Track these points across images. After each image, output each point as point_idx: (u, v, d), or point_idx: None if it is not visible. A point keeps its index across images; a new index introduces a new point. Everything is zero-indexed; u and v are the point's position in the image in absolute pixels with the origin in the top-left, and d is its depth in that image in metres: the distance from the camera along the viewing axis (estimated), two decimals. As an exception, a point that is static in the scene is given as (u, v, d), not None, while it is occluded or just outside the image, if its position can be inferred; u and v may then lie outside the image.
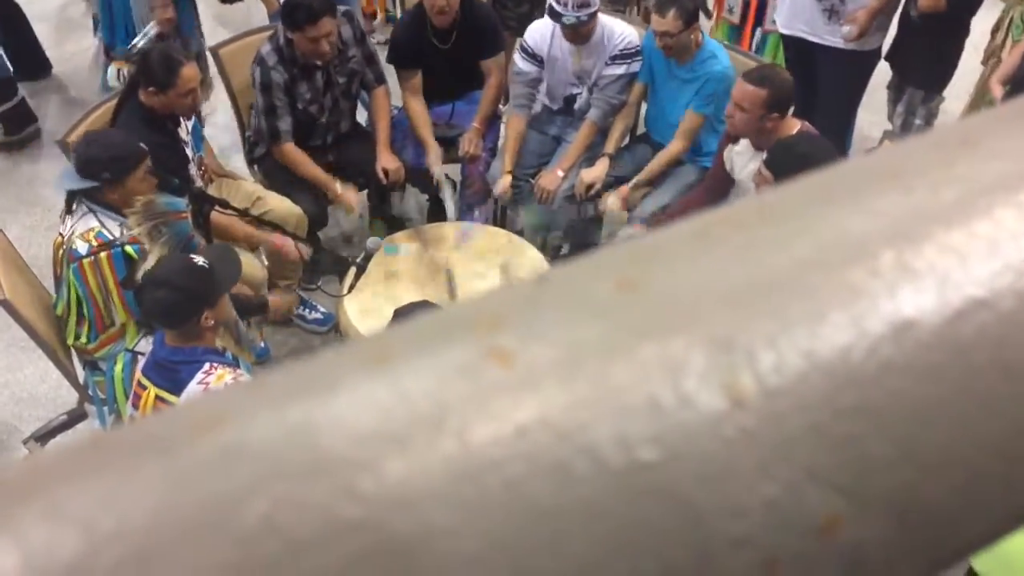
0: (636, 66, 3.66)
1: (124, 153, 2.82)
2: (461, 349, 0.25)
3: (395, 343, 0.26)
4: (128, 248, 2.79)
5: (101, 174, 2.78)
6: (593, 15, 3.51)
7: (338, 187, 3.67)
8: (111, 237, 2.80)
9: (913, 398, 0.25)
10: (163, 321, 2.47)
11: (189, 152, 3.35)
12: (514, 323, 0.25)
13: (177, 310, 2.42)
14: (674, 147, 3.60)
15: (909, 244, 0.26)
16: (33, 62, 5.08)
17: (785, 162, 2.72)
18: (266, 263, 3.63)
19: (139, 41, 4.01)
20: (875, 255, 0.26)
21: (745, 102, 3.01)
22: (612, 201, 3.61)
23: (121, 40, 4.24)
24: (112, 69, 4.28)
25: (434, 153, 3.77)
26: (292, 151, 3.65)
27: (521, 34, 4.30)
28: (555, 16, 3.50)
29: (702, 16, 4.24)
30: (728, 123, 3.16)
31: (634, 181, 3.59)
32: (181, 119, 3.32)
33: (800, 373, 0.24)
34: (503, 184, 3.74)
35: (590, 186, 3.64)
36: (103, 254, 2.78)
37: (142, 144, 2.88)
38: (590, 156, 3.72)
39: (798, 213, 0.28)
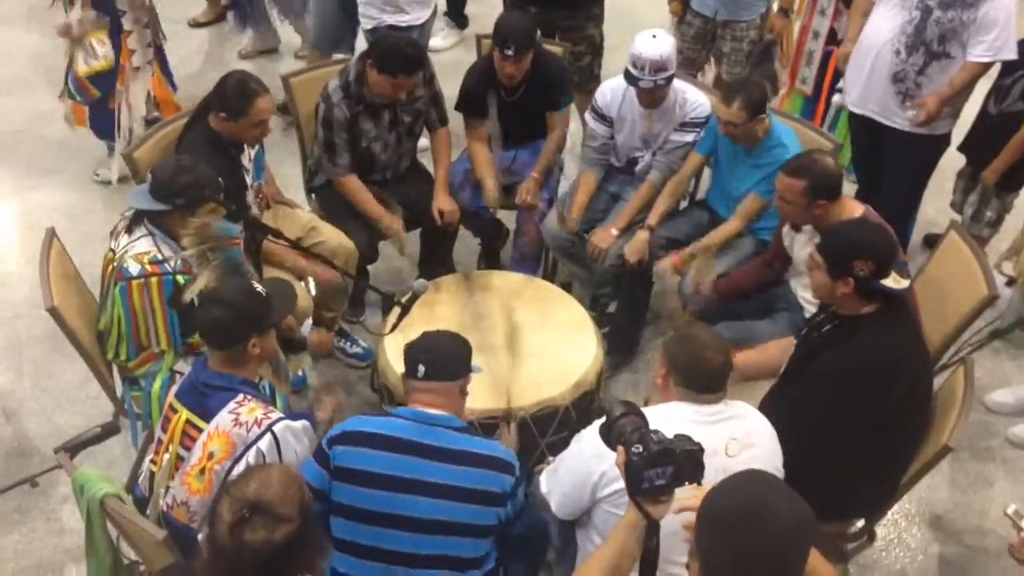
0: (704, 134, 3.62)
1: (202, 183, 2.81)
2: None
3: None
4: (179, 277, 2.79)
5: (175, 200, 2.79)
6: (669, 79, 3.48)
7: (388, 220, 3.68)
8: (165, 264, 2.80)
9: None
10: (213, 339, 2.47)
11: (248, 179, 3.38)
12: None
13: (228, 329, 2.43)
14: (731, 226, 3.55)
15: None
16: None
17: (837, 248, 2.65)
18: (313, 293, 3.64)
19: None
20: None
21: (787, 193, 3.00)
22: (665, 265, 3.56)
23: None
24: None
25: (492, 190, 3.78)
26: (353, 182, 3.68)
27: (584, 86, 4.28)
28: (631, 80, 3.47)
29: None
30: (779, 213, 3.14)
31: (689, 250, 3.54)
32: (245, 146, 3.35)
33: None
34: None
35: (639, 261, 3.60)
36: (154, 279, 2.79)
37: (220, 179, 2.88)
38: (642, 219, 3.68)
39: None
